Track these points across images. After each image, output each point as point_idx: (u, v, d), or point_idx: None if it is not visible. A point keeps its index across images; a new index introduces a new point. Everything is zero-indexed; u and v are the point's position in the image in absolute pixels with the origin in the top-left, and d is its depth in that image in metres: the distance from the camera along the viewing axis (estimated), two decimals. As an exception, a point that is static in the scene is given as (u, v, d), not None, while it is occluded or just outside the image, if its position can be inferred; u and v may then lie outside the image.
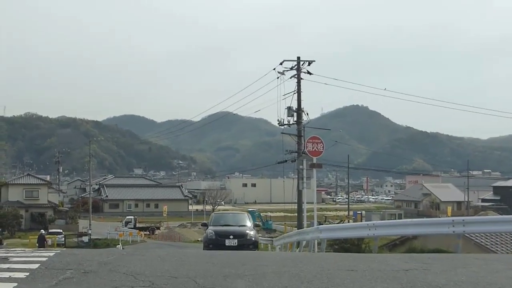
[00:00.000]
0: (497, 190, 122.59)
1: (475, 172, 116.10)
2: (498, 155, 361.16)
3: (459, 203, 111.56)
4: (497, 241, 21.88)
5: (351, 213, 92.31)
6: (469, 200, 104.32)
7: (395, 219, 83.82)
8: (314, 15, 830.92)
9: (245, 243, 18.69)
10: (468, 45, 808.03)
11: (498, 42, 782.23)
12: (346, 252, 26.68)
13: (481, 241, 20.67)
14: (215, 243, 18.64)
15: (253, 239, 19.41)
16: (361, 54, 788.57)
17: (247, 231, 19.51)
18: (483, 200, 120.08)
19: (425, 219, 19.82)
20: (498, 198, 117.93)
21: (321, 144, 26.03)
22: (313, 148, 26.02)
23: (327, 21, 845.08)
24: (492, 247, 19.67)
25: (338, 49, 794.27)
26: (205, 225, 22.26)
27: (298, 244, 23.91)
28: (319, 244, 21.82)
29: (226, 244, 18.42)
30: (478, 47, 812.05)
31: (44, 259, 9.94)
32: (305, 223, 30.39)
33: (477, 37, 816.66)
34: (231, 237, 18.78)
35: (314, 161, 26.20)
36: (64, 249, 20.75)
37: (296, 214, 37.27)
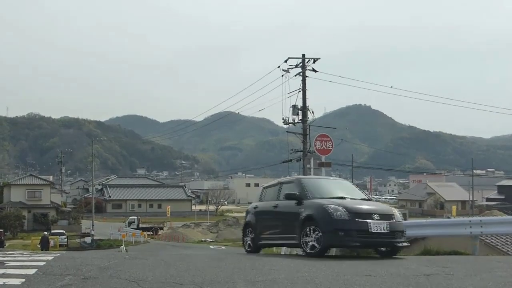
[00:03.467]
0: (501, 189, 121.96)
1: (478, 171, 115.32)
2: (501, 154, 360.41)
3: (463, 202, 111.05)
4: (507, 241, 21.29)
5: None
6: (474, 199, 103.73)
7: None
8: (320, 15, 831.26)
9: (397, 229, 11.62)
10: (473, 44, 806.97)
11: (501, 41, 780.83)
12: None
13: (491, 241, 20.05)
14: (351, 228, 11.11)
15: (402, 222, 12.24)
16: (364, 54, 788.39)
17: (391, 209, 12.49)
18: (488, 199, 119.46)
19: (441, 219, 19.24)
20: (503, 197, 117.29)
21: (330, 142, 25.28)
22: (321, 147, 25.21)
23: (332, 21, 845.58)
24: (502, 247, 19.06)
25: (342, 48, 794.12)
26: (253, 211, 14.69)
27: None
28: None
29: (372, 231, 11.17)
30: (483, 46, 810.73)
31: (42, 263, 9.40)
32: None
33: (481, 36, 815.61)
34: (376, 217, 11.47)
35: (323, 160, 25.54)
36: (64, 252, 20.05)
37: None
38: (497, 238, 21.18)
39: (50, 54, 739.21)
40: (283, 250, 30.88)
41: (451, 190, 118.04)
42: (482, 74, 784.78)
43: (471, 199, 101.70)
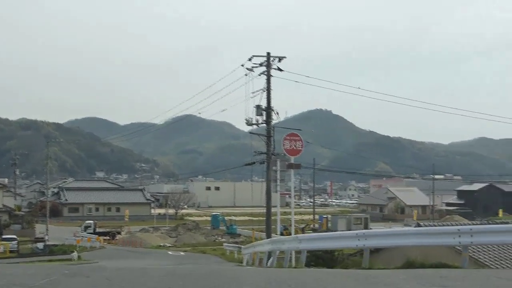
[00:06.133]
0: (461, 194, 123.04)
1: (437, 176, 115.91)
2: (459, 160, 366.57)
3: (424, 207, 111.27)
4: (494, 255, 20.22)
5: (316, 217, 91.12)
6: (434, 204, 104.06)
7: (361, 223, 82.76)
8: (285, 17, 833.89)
9: None
10: (435, 49, 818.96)
11: (464, 46, 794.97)
12: (317, 260, 24.97)
13: (473, 255, 18.97)
14: None
15: None
16: (330, 57, 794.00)
17: None
18: (448, 204, 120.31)
19: (427, 227, 18.00)
20: (462, 202, 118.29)
21: (300, 141, 23.87)
22: (291, 146, 23.71)
23: (298, 24, 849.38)
24: (486, 262, 18.07)
25: (305, 52, 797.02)
26: None
27: (270, 254, 21.79)
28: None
29: None
30: (444, 50, 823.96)
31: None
32: (278, 228, 28.73)
33: (444, 41, 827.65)
34: None
35: (292, 161, 24.13)
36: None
37: (261, 218, 35.50)
38: (483, 251, 19.97)
39: (8, 56, 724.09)
40: (245, 261, 29.62)
41: (412, 195, 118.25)
42: (442, 80, 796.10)
43: (431, 203, 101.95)
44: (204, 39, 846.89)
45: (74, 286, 7.60)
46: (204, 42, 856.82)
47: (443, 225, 22.61)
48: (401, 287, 7.82)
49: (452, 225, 22.71)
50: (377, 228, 77.58)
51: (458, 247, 12.88)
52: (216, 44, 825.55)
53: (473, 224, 21.59)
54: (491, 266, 18.25)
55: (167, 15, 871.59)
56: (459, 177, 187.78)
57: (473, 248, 17.94)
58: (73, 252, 43.23)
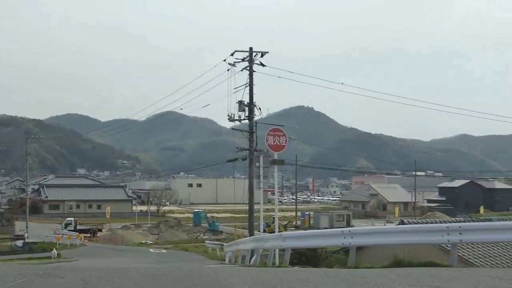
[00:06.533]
0: (442, 191, 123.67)
1: (419, 173, 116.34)
2: (440, 156, 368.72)
3: (405, 203, 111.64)
4: (479, 252, 19.97)
5: (299, 213, 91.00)
6: (416, 200, 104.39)
7: (343, 220, 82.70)
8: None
9: None
10: (419, 48, 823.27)
11: (448, 45, 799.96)
12: (301, 257, 24.69)
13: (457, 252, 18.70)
14: None
15: None
16: (311, 54, 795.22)
17: None
18: (429, 201, 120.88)
19: (414, 225, 17.71)
20: (444, 198, 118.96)
21: (283, 137, 23.39)
22: (274, 142, 23.21)
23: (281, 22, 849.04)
24: (471, 259, 17.85)
25: (289, 50, 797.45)
26: None
27: (253, 252, 21.45)
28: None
29: None
30: (428, 49, 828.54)
31: None
32: (261, 225, 28.45)
33: (427, 40, 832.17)
34: None
35: (276, 157, 23.72)
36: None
37: (244, 215, 35.19)
38: (467, 248, 19.72)
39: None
40: (227, 258, 29.29)
41: (394, 192, 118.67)
42: (423, 78, 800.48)
43: (413, 200, 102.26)
44: (203, 39, 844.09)
45: (48, 288, 7.21)
46: (204, 42, 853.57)
47: (427, 223, 22.36)
48: (391, 287, 7.52)
49: (438, 222, 22.50)
50: (359, 225, 77.76)
51: (447, 246, 12.63)
52: (213, 44, 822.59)
53: (457, 222, 21.44)
54: (476, 263, 18.05)
55: (148, 11, 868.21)
56: (440, 174, 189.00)
57: (458, 246, 17.73)
58: (52, 250, 42.65)
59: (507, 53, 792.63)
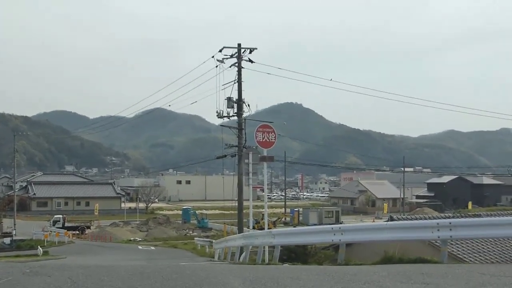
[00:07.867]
0: (431, 186, 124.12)
1: (407, 169, 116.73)
2: (428, 152, 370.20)
3: (394, 199, 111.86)
4: (468, 248, 19.96)
5: (288, 210, 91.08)
6: (405, 196, 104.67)
7: (332, 216, 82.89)
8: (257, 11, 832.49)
9: None
10: (402, 45, 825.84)
11: (430, 41, 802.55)
12: (290, 254, 24.64)
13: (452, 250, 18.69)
14: None
15: None
16: (299, 52, 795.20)
17: None
18: (418, 197, 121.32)
19: (404, 221, 17.70)
20: (432, 194, 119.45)
21: (272, 133, 23.25)
22: (263, 138, 23.02)
23: (267, 18, 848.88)
24: (459, 255, 17.81)
25: (275, 46, 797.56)
26: None
27: (242, 249, 21.35)
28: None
29: None
30: (410, 46, 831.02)
31: None
32: (250, 222, 28.38)
33: (410, 36, 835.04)
34: None
35: (265, 153, 23.59)
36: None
37: (233, 212, 35.08)
38: (456, 244, 19.70)
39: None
40: (216, 255, 29.20)
41: (383, 188, 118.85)
42: (408, 74, 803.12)
43: (402, 196, 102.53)
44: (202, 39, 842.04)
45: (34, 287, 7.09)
46: (192, 38, 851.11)
47: (416, 218, 22.34)
48: (382, 285, 7.47)
49: (427, 218, 22.47)
50: (348, 221, 77.89)
51: (437, 242, 12.58)
52: (202, 39, 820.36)
53: (446, 217, 21.41)
54: (465, 259, 18.03)
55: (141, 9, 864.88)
56: (428, 170, 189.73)
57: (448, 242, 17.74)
58: (39, 247, 42.38)
59: (494, 47, 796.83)
